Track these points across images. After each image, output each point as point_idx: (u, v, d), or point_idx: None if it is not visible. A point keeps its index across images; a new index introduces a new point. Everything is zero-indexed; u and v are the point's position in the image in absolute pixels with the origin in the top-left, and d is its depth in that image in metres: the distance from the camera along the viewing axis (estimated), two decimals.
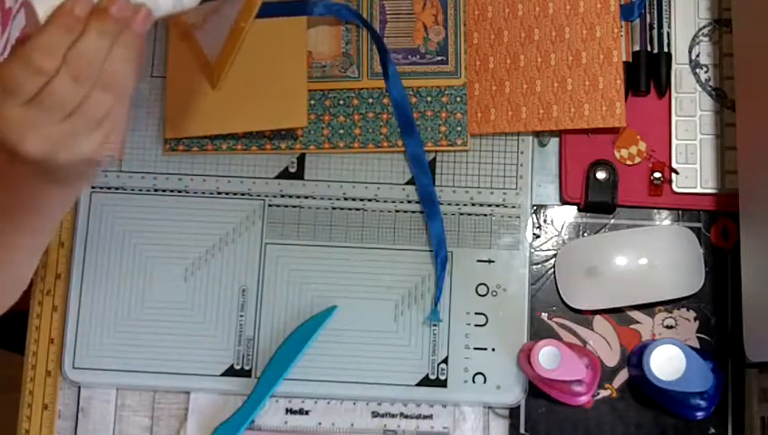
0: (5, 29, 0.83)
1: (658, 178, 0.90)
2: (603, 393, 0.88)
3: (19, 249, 0.70)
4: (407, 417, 0.89)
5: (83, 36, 0.59)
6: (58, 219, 0.71)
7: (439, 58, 0.92)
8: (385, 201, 0.91)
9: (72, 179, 0.65)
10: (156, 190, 0.92)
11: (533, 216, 0.91)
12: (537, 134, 0.92)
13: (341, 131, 0.92)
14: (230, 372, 0.89)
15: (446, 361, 0.88)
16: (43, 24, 0.59)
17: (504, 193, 0.91)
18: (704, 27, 0.92)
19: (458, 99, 0.92)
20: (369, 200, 0.91)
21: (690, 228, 0.90)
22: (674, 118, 0.91)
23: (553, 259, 0.90)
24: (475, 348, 0.89)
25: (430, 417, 0.88)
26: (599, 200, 0.90)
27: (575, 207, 0.91)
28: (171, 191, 0.92)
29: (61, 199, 0.68)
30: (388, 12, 0.93)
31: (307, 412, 0.89)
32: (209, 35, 0.86)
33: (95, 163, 0.63)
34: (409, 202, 0.91)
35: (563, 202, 0.91)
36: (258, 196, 0.92)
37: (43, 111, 0.59)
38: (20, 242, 0.69)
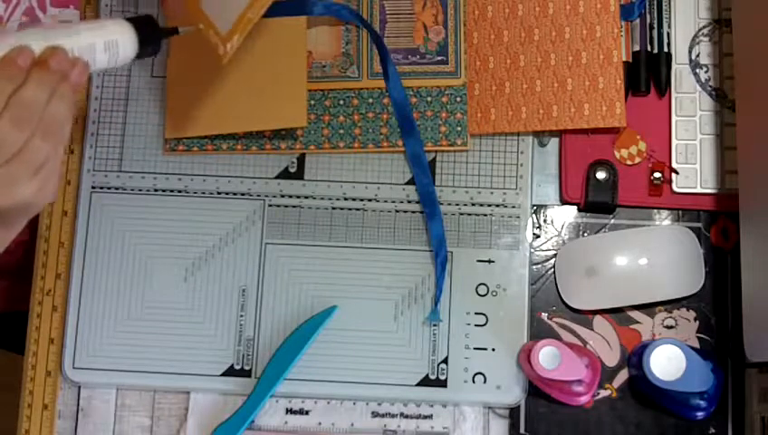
0: None
1: (658, 178, 0.90)
2: (603, 393, 0.88)
3: None
4: (407, 417, 0.89)
5: (25, 85, 0.62)
6: None
7: (439, 58, 0.92)
8: (385, 201, 0.91)
9: (6, 223, 0.67)
10: (156, 190, 0.92)
11: (533, 216, 0.91)
12: (537, 134, 0.92)
13: (341, 131, 0.92)
14: (230, 372, 0.89)
15: (446, 361, 0.88)
16: None
17: (504, 193, 0.91)
18: (704, 27, 0.92)
19: (458, 99, 0.92)
20: (369, 200, 0.91)
21: (690, 228, 0.90)
22: (674, 118, 0.91)
23: (553, 259, 0.90)
24: (475, 348, 0.89)
25: (430, 417, 0.88)
26: (599, 200, 0.90)
27: (575, 207, 0.91)
28: (171, 191, 0.92)
29: None
30: (388, 12, 0.93)
31: (307, 412, 0.89)
32: (220, 8, 0.85)
33: (31, 208, 0.64)
34: (409, 202, 0.91)
35: (563, 202, 0.91)
36: (258, 196, 0.92)
37: None
38: None
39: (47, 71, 0.64)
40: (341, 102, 0.92)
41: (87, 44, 0.69)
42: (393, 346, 0.89)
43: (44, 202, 0.65)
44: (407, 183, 0.92)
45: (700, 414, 0.86)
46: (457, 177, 0.92)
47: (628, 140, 0.91)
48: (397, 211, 0.91)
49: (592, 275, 0.88)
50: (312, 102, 0.92)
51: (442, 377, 0.88)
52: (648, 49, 0.92)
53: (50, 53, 0.65)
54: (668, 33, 0.92)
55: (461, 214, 0.91)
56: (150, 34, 0.74)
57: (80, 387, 0.90)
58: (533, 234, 0.91)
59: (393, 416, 0.89)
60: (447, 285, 0.89)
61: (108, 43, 0.71)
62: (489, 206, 0.91)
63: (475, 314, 0.89)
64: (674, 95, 0.91)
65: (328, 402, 0.89)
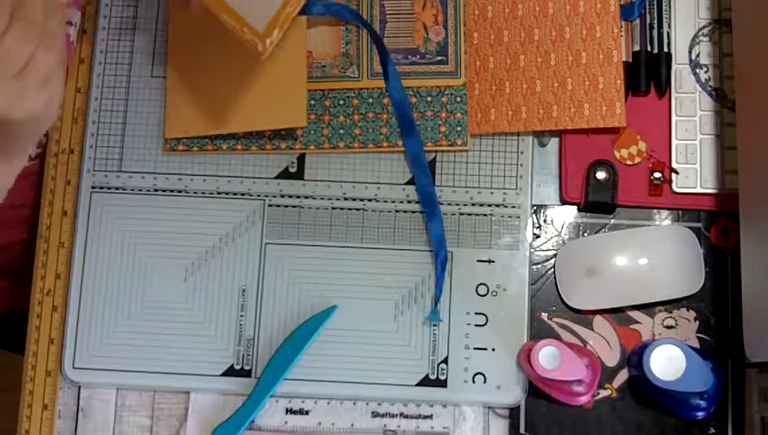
0: None
1: (658, 178, 0.90)
2: (603, 393, 0.88)
3: None
4: (407, 417, 0.89)
5: (23, 1, 0.64)
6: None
7: (439, 58, 0.92)
8: (385, 201, 0.91)
9: (18, 142, 0.69)
10: (156, 190, 0.92)
11: (533, 216, 0.91)
12: (537, 134, 0.92)
13: (341, 131, 0.92)
14: (230, 372, 0.89)
15: (446, 361, 0.88)
16: None
17: (504, 193, 0.91)
18: (704, 27, 0.92)
19: (458, 99, 0.92)
20: (369, 200, 0.91)
21: (690, 228, 0.90)
22: (674, 118, 0.91)
23: (553, 259, 0.90)
24: (475, 348, 0.89)
25: (430, 417, 0.88)
26: (599, 200, 0.90)
27: (575, 207, 0.91)
28: (171, 191, 0.92)
29: (4, 173, 0.70)
30: (388, 12, 0.93)
31: (307, 412, 0.89)
32: (251, 4, 0.84)
33: (41, 123, 0.67)
34: (409, 202, 0.91)
35: (563, 202, 0.91)
36: (258, 196, 0.92)
37: None
38: None
39: None
40: (341, 102, 0.92)
41: None
42: (393, 346, 0.89)
43: (52, 117, 0.67)
44: (407, 183, 0.92)
45: (700, 414, 0.86)
46: (457, 177, 0.92)
47: (628, 140, 0.91)
48: (397, 211, 0.91)
49: (592, 275, 0.88)
50: (312, 102, 0.92)
51: (442, 377, 0.88)
52: (648, 49, 0.92)
53: None
54: (668, 33, 0.92)
55: (461, 214, 0.91)
56: None
57: (80, 387, 0.90)
58: (533, 234, 0.91)
59: (393, 416, 0.89)
60: (447, 285, 0.89)
61: None
62: (489, 206, 0.91)
63: (475, 314, 0.89)
64: (674, 95, 0.91)
65: (328, 402, 0.89)
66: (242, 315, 0.90)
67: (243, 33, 0.82)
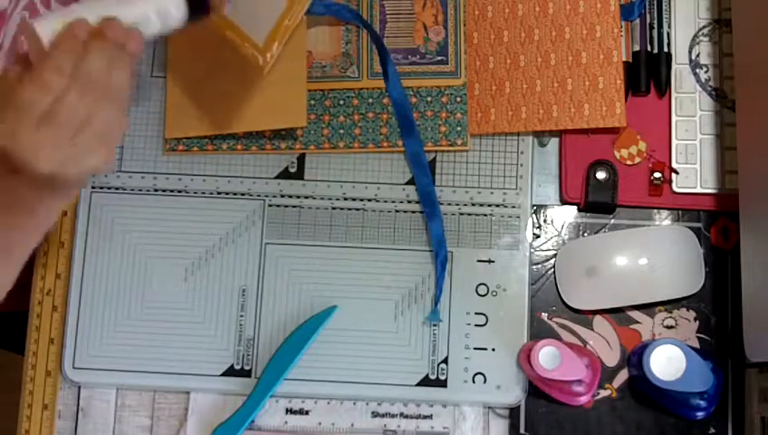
0: (0, 30, 0.83)
1: (658, 178, 0.90)
2: (603, 393, 0.88)
3: (11, 249, 0.71)
4: (407, 417, 0.89)
5: (86, 56, 0.65)
6: (52, 221, 0.73)
7: (439, 58, 0.92)
8: (385, 201, 0.91)
9: (71, 190, 0.70)
10: (156, 190, 0.92)
11: (533, 216, 0.91)
12: (537, 134, 0.92)
13: (341, 131, 0.92)
14: (230, 372, 0.89)
15: (446, 361, 0.88)
16: (49, 48, 0.65)
17: (504, 193, 0.91)
18: (704, 27, 0.92)
19: (458, 99, 0.92)
20: (369, 200, 0.91)
21: (690, 228, 0.90)
22: (674, 118, 0.91)
23: (553, 259, 0.90)
24: (475, 348, 0.89)
25: (430, 417, 0.88)
26: (599, 200, 0.90)
27: (575, 207, 0.91)
28: (171, 191, 0.92)
29: (57, 204, 0.71)
30: (388, 12, 0.93)
31: (307, 412, 0.89)
32: (251, 16, 0.85)
33: (97, 173, 0.69)
34: (409, 202, 0.91)
35: (563, 202, 0.91)
36: (258, 196, 0.92)
37: (55, 128, 0.63)
38: (13, 241, 0.71)
39: (106, 40, 0.66)
40: (341, 102, 0.92)
41: (140, 13, 0.71)
42: (393, 346, 0.89)
43: (109, 169, 0.70)
44: (407, 183, 0.92)
45: (700, 414, 0.86)
46: (457, 177, 0.92)
47: (628, 140, 0.91)
48: (397, 211, 0.91)
49: (592, 275, 0.88)
50: (312, 102, 0.92)
51: (442, 377, 0.88)
52: (648, 49, 0.92)
53: (106, 24, 0.67)
54: (668, 33, 0.92)
55: (461, 214, 0.91)
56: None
57: (80, 387, 0.90)
58: (533, 234, 0.91)
59: (393, 416, 0.89)
60: (447, 285, 0.89)
61: (159, 11, 0.72)
62: (489, 206, 0.91)
63: (475, 314, 0.89)
64: (674, 95, 0.91)
65: (328, 402, 0.89)
66: (242, 315, 0.90)
67: (244, 47, 0.82)
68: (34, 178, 0.65)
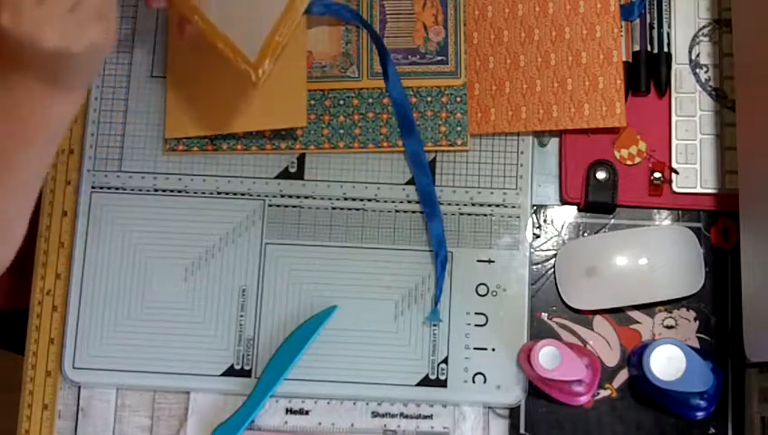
0: None
1: (658, 178, 0.90)
2: (603, 393, 0.88)
3: (26, 164, 0.72)
4: (407, 417, 0.89)
5: None
6: (61, 135, 0.74)
7: (439, 58, 0.92)
8: (385, 201, 0.91)
9: (78, 78, 0.70)
10: (156, 190, 0.92)
11: (533, 216, 0.91)
12: (537, 134, 0.92)
13: (341, 131, 0.92)
14: (230, 372, 0.89)
15: (446, 361, 0.88)
16: None
17: (504, 193, 0.91)
18: (704, 27, 0.92)
19: (458, 99, 0.92)
20: (369, 200, 0.91)
21: (690, 228, 0.90)
22: (674, 118, 0.91)
23: (553, 259, 0.90)
24: (475, 348, 0.89)
25: (430, 417, 0.88)
26: (599, 200, 0.90)
27: (575, 207, 0.91)
28: (171, 191, 0.92)
29: (65, 105, 0.71)
30: (388, 12, 0.93)
31: (307, 412, 0.89)
32: (242, 31, 0.85)
33: (100, 52, 0.68)
34: (409, 202, 0.91)
35: (563, 202, 0.91)
36: (258, 196, 0.92)
37: (54, 4, 0.64)
38: (27, 157, 0.71)
39: None
40: (341, 102, 0.92)
41: None
42: (393, 346, 0.89)
43: (110, 44, 0.69)
44: (407, 183, 0.92)
45: (700, 414, 0.86)
46: (457, 177, 0.92)
47: (628, 140, 0.91)
48: (397, 211, 0.91)
49: (592, 275, 0.88)
50: (312, 102, 0.92)
51: (442, 377, 0.88)
52: (648, 49, 0.92)
53: None
54: (668, 33, 0.92)
55: (461, 214, 0.91)
56: None
57: (80, 387, 0.90)
58: (533, 234, 0.91)
59: (393, 416, 0.89)
60: (447, 285, 0.89)
61: None
62: (489, 206, 0.91)
63: (475, 314, 0.89)
64: (674, 95, 0.91)
65: (328, 402, 0.89)
66: (242, 315, 0.90)
67: (237, 62, 0.82)
68: (40, 62, 0.66)
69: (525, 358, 0.84)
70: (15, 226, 0.74)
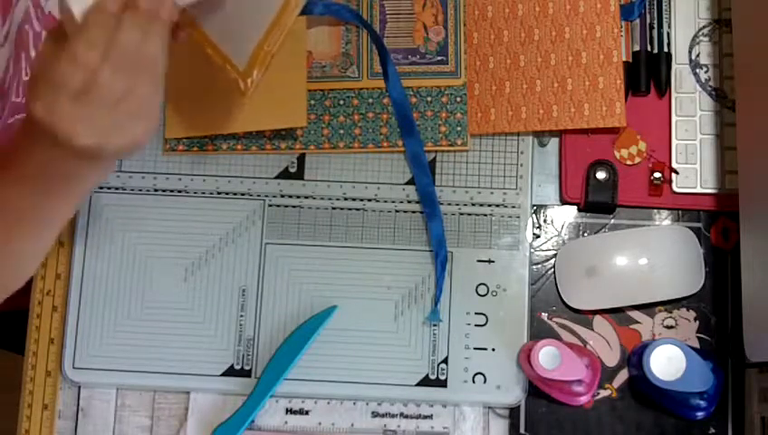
0: (6, 19, 0.83)
1: (658, 178, 0.90)
2: (603, 393, 0.88)
3: (50, 221, 0.72)
4: (407, 417, 0.89)
5: (119, 30, 0.64)
6: (89, 192, 0.74)
7: (439, 58, 0.92)
8: (385, 201, 0.91)
9: (112, 162, 0.70)
10: (156, 190, 0.92)
11: (533, 216, 0.91)
12: (537, 134, 0.92)
13: (341, 131, 0.92)
14: (230, 372, 0.89)
15: (446, 361, 0.88)
16: (81, 22, 0.64)
17: (504, 193, 0.91)
18: (704, 27, 0.92)
19: (458, 99, 0.92)
20: (369, 200, 0.91)
21: (690, 228, 0.90)
22: (674, 118, 0.91)
23: (553, 259, 0.90)
24: (475, 348, 0.89)
25: (430, 417, 0.88)
26: (599, 200, 0.90)
27: (575, 207, 0.91)
28: (171, 191, 0.92)
29: (97, 174, 0.71)
30: (388, 12, 0.93)
31: (307, 412, 0.89)
32: (232, 40, 0.85)
33: (138, 147, 0.67)
34: (409, 202, 0.91)
35: (563, 202, 0.91)
36: (258, 196, 0.92)
37: (92, 104, 0.63)
38: (51, 216, 0.72)
39: (138, 12, 0.65)
40: (341, 102, 0.92)
41: None
42: (393, 346, 0.89)
43: (149, 137, 0.67)
44: (407, 183, 0.92)
45: (700, 414, 0.86)
46: (457, 177, 0.92)
47: (628, 140, 0.91)
48: (397, 211, 0.91)
49: (592, 275, 0.88)
50: (312, 102, 0.92)
51: (442, 377, 0.88)
52: (648, 49, 0.92)
53: None
54: (668, 33, 0.92)
55: (461, 214, 0.91)
56: None
57: (80, 387, 0.90)
58: (533, 234, 0.91)
59: (393, 416, 0.89)
60: (447, 285, 0.89)
61: None
62: (489, 206, 0.91)
63: (475, 314, 0.89)
64: (674, 95, 0.91)
65: (328, 402, 0.89)
66: (242, 315, 0.90)
67: (227, 70, 0.82)
68: (75, 151, 0.65)
69: (525, 358, 0.84)
70: (27, 266, 0.75)
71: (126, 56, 0.64)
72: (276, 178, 0.92)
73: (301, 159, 0.92)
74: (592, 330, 0.89)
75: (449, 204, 0.91)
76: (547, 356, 0.82)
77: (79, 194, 0.71)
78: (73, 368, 0.89)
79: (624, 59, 0.91)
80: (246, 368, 0.89)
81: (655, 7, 0.92)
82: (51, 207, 0.70)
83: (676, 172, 0.90)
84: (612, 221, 0.91)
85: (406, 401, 0.89)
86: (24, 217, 0.70)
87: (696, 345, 0.88)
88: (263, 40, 0.82)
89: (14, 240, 0.71)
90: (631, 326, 0.89)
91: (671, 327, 0.89)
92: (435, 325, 0.89)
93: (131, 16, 0.65)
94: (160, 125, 0.93)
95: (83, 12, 0.66)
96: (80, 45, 0.63)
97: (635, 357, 0.87)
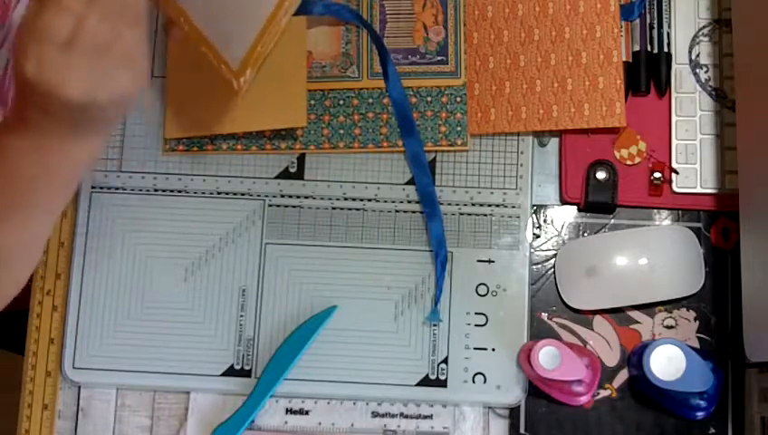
0: (6, 20, 0.83)
1: (658, 178, 0.90)
2: (603, 393, 0.88)
3: (40, 208, 0.71)
4: (407, 417, 0.89)
5: None
6: (80, 174, 0.72)
7: (439, 58, 0.92)
8: (385, 201, 0.91)
9: (102, 124, 0.68)
10: (156, 190, 0.92)
11: (533, 216, 0.91)
12: (537, 134, 0.92)
13: (341, 131, 0.92)
14: (230, 372, 0.89)
15: (446, 361, 0.88)
16: None
17: (504, 193, 0.91)
18: (704, 27, 0.92)
19: (458, 99, 0.92)
20: (369, 200, 0.91)
21: (690, 228, 0.90)
22: (674, 118, 0.91)
23: (553, 259, 0.90)
24: (475, 348, 0.89)
25: (430, 417, 0.88)
26: (599, 200, 0.90)
27: (575, 207, 0.91)
28: (171, 191, 0.92)
29: (90, 149, 0.70)
30: (388, 12, 0.93)
31: (307, 412, 0.89)
32: (226, 39, 0.85)
33: (129, 101, 0.66)
34: (409, 202, 0.91)
35: (563, 202, 0.91)
36: (258, 196, 0.92)
37: (80, 52, 0.62)
38: (41, 202, 0.71)
39: None
40: (341, 102, 0.92)
41: None
42: (393, 346, 0.89)
43: (139, 92, 0.66)
44: (407, 183, 0.92)
45: (700, 414, 0.86)
46: (457, 177, 0.92)
47: (628, 140, 0.91)
48: (397, 211, 0.91)
49: (592, 275, 0.88)
50: (312, 102, 0.92)
51: (442, 377, 0.88)
52: (648, 49, 0.92)
53: None
54: (668, 33, 0.92)
55: (461, 214, 0.91)
56: None
57: (80, 387, 0.90)
58: (533, 234, 0.91)
59: (393, 416, 0.89)
60: (447, 285, 0.89)
61: None
62: (489, 206, 0.91)
63: (475, 314, 0.89)
64: (674, 95, 0.91)
65: (328, 402, 0.89)
66: (242, 315, 0.90)
67: (220, 69, 0.82)
68: (66, 110, 0.64)
69: (525, 358, 0.84)
70: (17, 265, 0.73)
71: (110, 4, 0.64)
72: (276, 178, 0.92)
73: (301, 159, 0.92)
74: (592, 330, 0.89)
75: (449, 204, 0.91)
76: (547, 356, 0.82)
77: (67, 177, 0.70)
78: (73, 368, 0.89)
79: (624, 59, 0.91)
80: (246, 368, 0.89)
81: (655, 7, 0.92)
82: (38, 191, 0.69)
83: (676, 172, 0.90)
84: (612, 221, 0.91)
85: (406, 401, 0.89)
86: (11, 203, 0.69)
87: (696, 345, 0.88)
88: (257, 40, 0.82)
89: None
90: (631, 326, 0.89)
91: (671, 327, 0.89)
92: (435, 325, 0.89)
93: None
94: (160, 124, 0.93)
95: None
96: None
97: (635, 357, 0.87)
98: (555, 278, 0.90)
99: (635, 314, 0.89)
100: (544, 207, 0.92)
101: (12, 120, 0.67)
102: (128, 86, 0.65)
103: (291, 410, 0.89)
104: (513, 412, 0.88)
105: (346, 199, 0.91)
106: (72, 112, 0.65)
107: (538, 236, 0.91)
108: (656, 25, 0.92)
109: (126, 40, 0.64)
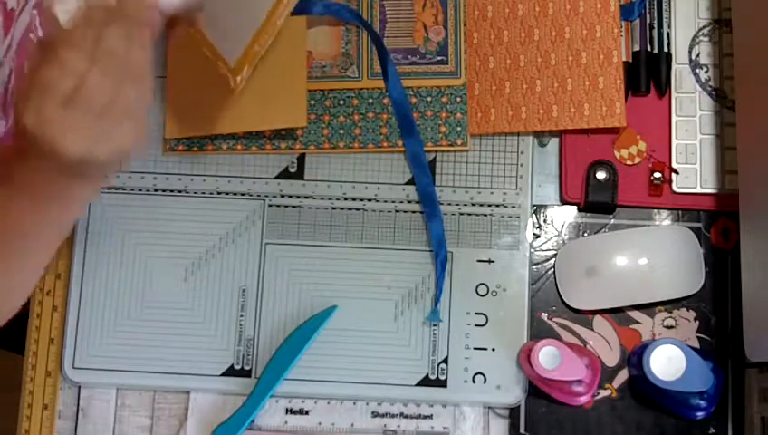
0: (9, 31, 0.83)
1: (658, 178, 0.90)
2: (603, 393, 0.88)
3: (41, 239, 0.72)
4: (407, 417, 0.89)
5: (106, 35, 0.64)
6: (81, 212, 0.73)
7: (439, 58, 0.92)
8: (385, 201, 0.91)
9: (99, 174, 0.69)
10: (156, 190, 0.92)
11: (533, 216, 0.91)
12: (537, 134, 0.92)
13: (341, 131, 0.92)
14: (230, 372, 0.89)
15: (446, 361, 0.88)
16: (66, 29, 0.65)
17: (504, 193, 0.91)
18: (704, 27, 0.92)
19: (458, 99, 0.92)
20: (369, 200, 0.91)
21: (690, 228, 0.90)
22: (674, 118, 0.91)
23: (553, 259, 0.90)
24: (475, 348, 0.89)
25: (430, 417, 0.88)
26: (599, 200, 0.90)
27: (575, 207, 0.91)
28: (171, 191, 0.92)
29: (87, 192, 0.70)
30: (388, 12, 0.93)
31: (307, 412, 0.89)
32: (225, 37, 0.85)
33: (127, 155, 0.66)
34: (409, 202, 0.91)
35: (563, 202, 0.91)
36: (258, 196, 0.92)
37: (80, 109, 0.63)
38: (44, 234, 0.71)
39: (125, 18, 0.65)
40: (341, 102, 0.92)
41: None
42: (393, 346, 0.89)
43: (138, 146, 0.67)
44: (407, 183, 0.92)
45: (700, 414, 0.86)
46: (457, 177, 0.92)
47: (628, 140, 0.91)
48: (397, 211, 0.91)
49: (592, 275, 0.88)
50: (312, 102, 0.92)
51: (442, 377, 0.88)
52: (648, 49, 0.92)
53: (123, 0, 0.66)
54: (668, 33, 0.92)
55: (461, 214, 0.91)
56: None
57: (80, 387, 0.90)
58: (533, 234, 0.91)
59: (393, 416, 0.89)
60: (447, 285, 0.89)
61: None
62: (489, 206, 0.91)
63: (475, 314, 0.89)
64: (674, 95, 0.91)
65: (328, 402, 0.89)
66: (242, 315, 0.90)
67: (218, 66, 0.83)
68: (64, 162, 0.64)
69: (525, 358, 0.84)
70: (18, 296, 0.74)
71: (113, 61, 0.64)
72: (276, 178, 0.92)
73: (301, 159, 0.92)
74: (592, 330, 0.89)
75: (449, 204, 0.91)
76: (547, 356, 0.82)
77: (65, 214, 0.71)
78: (73, 368, 0.89)
79: (624, 59, 0.91)
80: (246, 368, 0.89)
81: (655, 7, 0.92)
82: (37, 223, 0.69)
83: (676, 172, 0.90)
84: (612, 221, 0.91)
85: (406, 401, 0.89)
86: (10, 233, 0.69)
87: (696, 345, 0.88)
88: (254, 38, 0.82)
89: None
90: (631, 326, 0.89)
91: (671, 327, 0.89)
92: (435, 325, 0.89)
93: (117, 21, 0.65)
94: (160, 124, 0.93)
95: (69, 19, 0.66)
96: (65, 49, 0.63)
97: (635, 357, 0.87)
98: (555, 278, 0.90)
99: (635, 314, 0.89)
100: (544, 207, 0.92)
101: (7, 170, 0.68)
102: (127, 142, 0.66)
103: (291, 410, 0.89)
104: (513, 412, 0.88)
105: (346, 199, 0.91)
106: (69, 166, 0.65)
107: (538, 236, 0.91)
108: (656, 25, 0.92)
109: (128, 97, 0.65)
